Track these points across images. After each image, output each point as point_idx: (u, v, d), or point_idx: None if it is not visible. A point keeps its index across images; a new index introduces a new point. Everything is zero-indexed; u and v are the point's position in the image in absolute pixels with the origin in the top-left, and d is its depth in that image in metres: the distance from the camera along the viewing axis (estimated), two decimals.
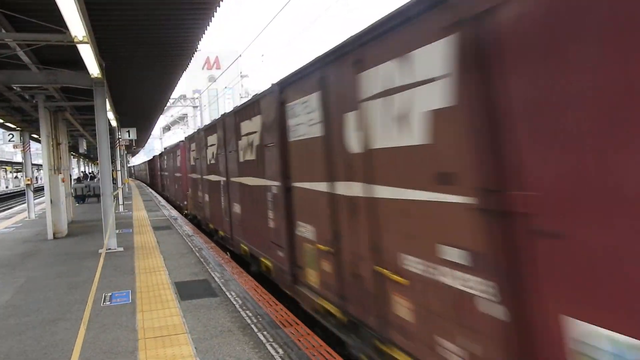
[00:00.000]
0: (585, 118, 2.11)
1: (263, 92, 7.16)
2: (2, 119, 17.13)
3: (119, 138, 21.57)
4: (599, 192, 2.09)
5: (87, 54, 8.72)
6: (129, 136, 20.85)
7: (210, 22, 9.59)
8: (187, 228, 14.32)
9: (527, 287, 2.50)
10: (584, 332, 2.22)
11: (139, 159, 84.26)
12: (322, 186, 5.01)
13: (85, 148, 28.65)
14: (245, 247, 8.90)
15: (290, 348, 4.85)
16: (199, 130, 13.68)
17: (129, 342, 5.26)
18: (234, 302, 6.52)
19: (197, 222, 15.27)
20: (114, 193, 13.91)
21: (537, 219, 2.41)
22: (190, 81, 60.64)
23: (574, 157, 2.18)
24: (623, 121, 1.97)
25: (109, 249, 10.78)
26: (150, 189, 39.42)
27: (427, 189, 3.22)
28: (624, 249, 2.01)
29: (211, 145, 11.55)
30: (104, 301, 6.90)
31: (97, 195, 22.98)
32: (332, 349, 4.83)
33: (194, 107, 53.67)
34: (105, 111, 11.33)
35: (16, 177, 77.12)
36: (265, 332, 5.33)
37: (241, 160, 8.59)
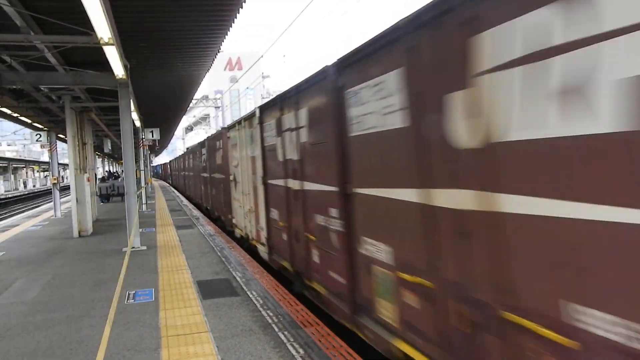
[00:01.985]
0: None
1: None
2: (30, 119, 17.53)
3: (142, 138, 21.86)
4: None
5: (113, 56, 8.86)
6: (153, 136, 21.11)
7: (233, 23, 9.66)
8: (208, 227, 14.44)
9: None
10: None
11: (161, 158, 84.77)
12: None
13: (110, 148, 29.14)
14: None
15: (311, 348, 4.85)
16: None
17: (152, 340, 5.33)
18: (255, 302, 6.55)
19: None
20: (138, 192, 14.10)
21: None
22: (212, 82, 61.21)
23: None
24: None
25: (133, 247, 10.92)
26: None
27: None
28: None
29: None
30: (127, 299, 7.00)
31: (121, 195, 23.33)
32: (352, 349, 4.82)
33: (215, 107, 54.15)
34: (130, 112, 11.49)
35: (46, 176, 78.84)
36: (286, 332, 5.34)
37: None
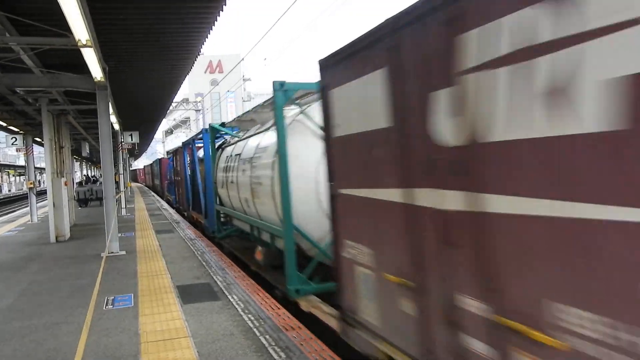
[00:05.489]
0: None
1: None
2: (5, 122, 17.19)
3: (121, 142, 21.60)
4: None
5: (91, 58, 8.75)
6: (132, 140, 20.86)
7: (213, 26, 9.62)
8: (189, 231, 14.32)
9: None
10: None
11: (141, 162, 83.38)
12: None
13: (88, 151, 28.70)
14: None
15: (293, 352, 4.84)
16: None
17: (132, 346, 5.26)
18: (236, 306, 6.51)
19: None
20: (117, 196, 13.93)
21: None
22: (192, 85, 60.78)
23: None
24: None
25: (111, 252, 10.78)
26: None
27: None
28: None
29: None
30: (106, 305, 6.90)
31: (100, 199, 23.01)
32: (334, 352, 4.82)
33: (196, 110, 53.77)
34: (108, 115, 11.35)
35: (24, 180, 77.13)
36: (267, 336, 5.32)
37: None
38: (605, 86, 2.06)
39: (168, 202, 27.39)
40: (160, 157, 40.83)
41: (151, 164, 50.46)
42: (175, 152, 22.57)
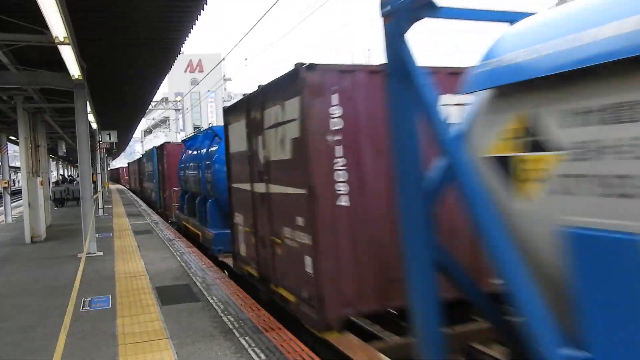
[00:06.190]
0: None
1: None
2: None
3: (99, 141, 21.30)
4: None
5: (68, 55, 8.61)
6: (110, 139, 20.61)
7: (194, 25, 9.54)
8: (168, 232, 14.19)
9: None
10: None
11: (119, 162, 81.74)
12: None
13: (65, 151, 28.23)
14: None
15: (273, 353, 4.84)
16: None
17: (109, 348, 5.19)
18: (216, 307, 6.48)
19: None
20: (94, 197, 13.73)
21: None
22: (172, 84, 60.14)
23: None
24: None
25: (89, 253, 10.61)
26: None
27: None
28: None
29: None
30: (83, 306, 6.80)
31: (77, 199, 22.62)
32: (315, 354, 4.82)
33: (176, 110, 53.35)
34: (86, 113, 11.18)
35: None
36: (247, 337, 5.30)
37: None
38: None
39: (186, 235, 13.74)
40: (163, 142, 21.45)
41: (139, 159, 34.76)
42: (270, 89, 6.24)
